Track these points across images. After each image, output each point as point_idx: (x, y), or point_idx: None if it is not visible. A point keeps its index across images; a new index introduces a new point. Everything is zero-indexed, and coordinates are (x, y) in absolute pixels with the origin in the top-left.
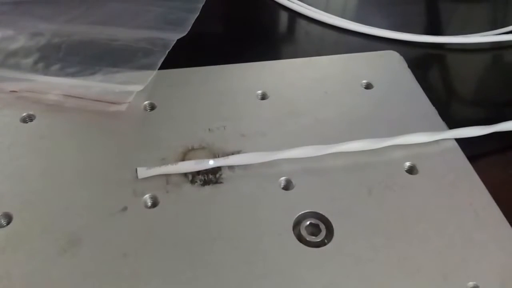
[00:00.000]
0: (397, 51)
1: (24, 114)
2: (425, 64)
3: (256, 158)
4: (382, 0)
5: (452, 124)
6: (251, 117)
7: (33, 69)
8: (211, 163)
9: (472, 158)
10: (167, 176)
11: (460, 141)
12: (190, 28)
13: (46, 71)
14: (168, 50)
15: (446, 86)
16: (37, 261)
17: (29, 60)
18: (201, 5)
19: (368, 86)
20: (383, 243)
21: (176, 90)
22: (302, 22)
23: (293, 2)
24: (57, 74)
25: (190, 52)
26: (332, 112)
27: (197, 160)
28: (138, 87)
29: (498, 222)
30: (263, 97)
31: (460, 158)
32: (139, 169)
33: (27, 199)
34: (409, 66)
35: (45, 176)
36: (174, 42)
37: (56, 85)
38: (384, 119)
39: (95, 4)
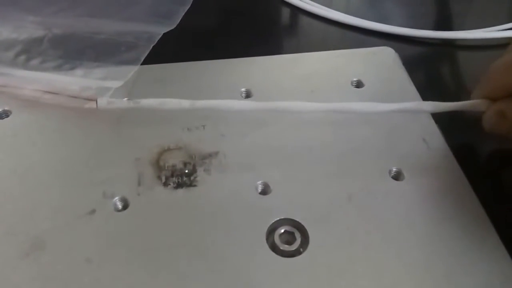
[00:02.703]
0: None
1: (0, 110)
2: (431, 62)
3: (235, 105)
4: None
5: (450, 126)
6: (233, 116)
7: (13, 63)
8: (185, 104)
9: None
10: (139, 177)
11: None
12: (179, 21)
13: (26, 65)
14: (153, 45)
15: (453, 86)
16: None
17: (10, 54)
18: None
19: (359, 85)
20: (361, 253)
21: (158, 86)
22: (303, 18)
23: None
24: (36, 68)
25: (178, 47)
26: (318, 112)
27: (161, 99)
28: (117, 83)
29: (487, 234)
30: (248, 95)
31: (452, 164)
32: (99, 99)
33: None
34: (414, 64)
35: (14, 175)
36: (160, 36)
37: (35, 80)
38: (371, 120)
39: None
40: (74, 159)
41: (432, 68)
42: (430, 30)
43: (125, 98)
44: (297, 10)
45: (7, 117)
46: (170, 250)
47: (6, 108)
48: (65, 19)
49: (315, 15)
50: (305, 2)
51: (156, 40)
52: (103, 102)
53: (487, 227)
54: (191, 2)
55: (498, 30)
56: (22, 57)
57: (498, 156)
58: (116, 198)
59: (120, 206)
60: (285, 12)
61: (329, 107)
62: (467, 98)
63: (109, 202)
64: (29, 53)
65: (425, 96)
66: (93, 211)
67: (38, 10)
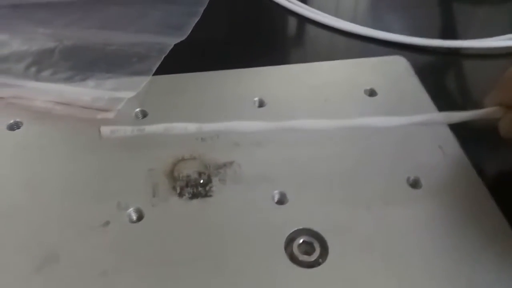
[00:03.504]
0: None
1: (12, 121)
2: (440, 71)
3: (244, 126)
4: (395, 4)
5: (465, 132)
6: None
7: (24, 74)
8: (192, 128)
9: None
10: (153, 188)
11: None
12: (189, 32)
13: (37, 77)
14: (165, 55)
15: (463, 94)
16: (11, 277)
17: (21, 66)
18: (202, 9)
19: (372, 94)
20: (382, 264)
21: (170, 97)
22: (311, 27)
23: (301, 7)
24: (48, 79)
25: (189, 57)
26: (330, 129)
27: (166, 124)
28: (129, 94)
29: (508, 241)
30: (261, 104)
31: (468, 171)
32: (102, 128)
33: (5, 212)
34: (423, 73)
35: (27, 187)
36: (171, 47)
37: (46, 92)
38: (386, 128)
39: (94, 8)
40: (87, 171)
41: (440, 77)
42: (438, 39)
43: (138, 109)
44: (304, 20)
45: (19, 128)
46: (186, 262)
47: (17, 120)
48: (76, 31)
49: (322, 25)
50: (312, 12)
51: (168, 51)
52: (106, 131)
53: (508, 235)
54: (201, 14)
55: (507, 39)
56: (33, 69)
57: None
58: (131, 209)
59: (134, 218)
60: (292, 22)
61: (341, 123)
62: (477, 106)
63: (124, 214)
64: (40, 64)
65: (435, 105)
66: (107, 223)
67: (49, 22)
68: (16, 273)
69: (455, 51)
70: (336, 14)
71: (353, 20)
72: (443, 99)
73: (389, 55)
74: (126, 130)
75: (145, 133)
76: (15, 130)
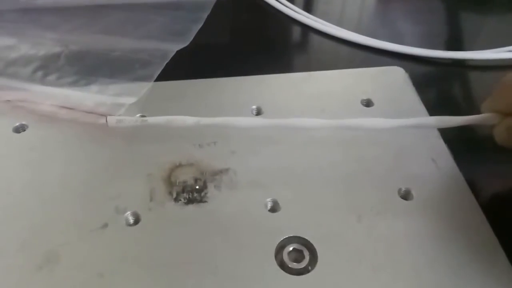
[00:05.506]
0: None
1: (17, 124)
2: (440, 82)
3: (241, 122)
4: (401, 13)
5: (459, 145)
6: (244, 133)
7: (31, 78)
8: (190, 122)
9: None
10: (151, 192)
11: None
12: (192, 38)
13: (43, 81)
14: (167, 62)
15: (461, 106)
16: (12, 278)
17: (28, 69)
18: (205, 15)
19: (368, 104)
20: (369, 274)
21: (170, 103)
22: (314, 36)
23: (305, 16)
24: (53, 84)
25: (191, 64)
26: (328, 130)
27: (168, 117)
28: (131, 100)
29: (496, 257)
30: (258, 112)
31: (460, 184)
32: (109, 117)
33: (8, 213)
34: (423, 84)
35: (30, 189)
36: (174, 54)
37: (51, 96)
38: (381, 140)
39: (100, 13)
40: (88, 174)
41: (442, 88)
42: (440, 50)
43: (138, 114)
44: (308, 29)
45: (24, 131)
46: (180, 266)
47: (23, 123)
48: (82, 36)
49: (326, 34)
50: (316, 21)
51: (170, 58)
52: (112, 120)
53: (496, 250)
54: (203, 21)
55: (507, 51)
56: (40, 73)
57: (508, 176)
58: (128, 212)
59: (131, 221)
60: (296, 31)
61: (334, 123)
62: None
63: (121, 217)
64: (47, 69)
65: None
66: (105, 225)
67: (56, 27)
68: (18, 273)
69: (456, 62)
70: (340, 23)
71: (357, 30)
72: (441, 110)
73: (390, 65)
74: (131, 120)
75: (147, 123)
76: (20, 132)
